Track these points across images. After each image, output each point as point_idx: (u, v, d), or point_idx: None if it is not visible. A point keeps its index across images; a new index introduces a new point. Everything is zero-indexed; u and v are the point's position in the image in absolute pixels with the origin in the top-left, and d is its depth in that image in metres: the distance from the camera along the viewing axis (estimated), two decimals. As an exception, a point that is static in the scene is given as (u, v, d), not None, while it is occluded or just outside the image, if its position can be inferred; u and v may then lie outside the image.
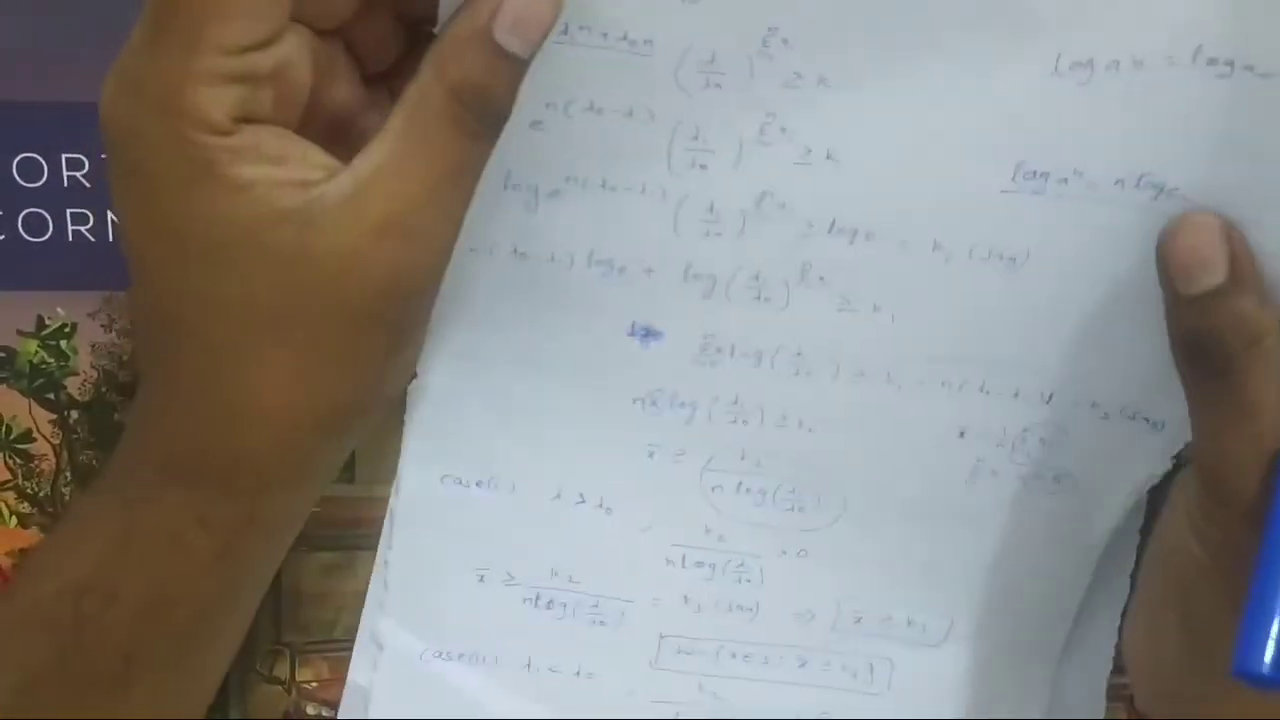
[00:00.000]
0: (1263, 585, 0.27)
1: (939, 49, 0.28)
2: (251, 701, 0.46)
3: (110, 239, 0.42)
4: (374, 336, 0.27)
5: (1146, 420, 0.32)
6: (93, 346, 0.43)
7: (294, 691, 0.47)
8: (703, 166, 0.29)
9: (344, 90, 0.27)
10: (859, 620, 0.35)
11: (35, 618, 0.28)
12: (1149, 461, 0.33)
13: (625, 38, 0.28)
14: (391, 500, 0.35)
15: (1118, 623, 0.35)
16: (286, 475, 0.28)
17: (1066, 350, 0.31)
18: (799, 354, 0.32)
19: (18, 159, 0.41)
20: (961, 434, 0.33)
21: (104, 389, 0.43)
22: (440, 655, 0.35)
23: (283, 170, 0.25)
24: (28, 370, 0.43)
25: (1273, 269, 0.29)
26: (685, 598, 0.35)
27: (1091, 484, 0.33)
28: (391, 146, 0.26)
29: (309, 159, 0.25)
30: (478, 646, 0.35)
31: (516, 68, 0.26)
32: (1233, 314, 0.28)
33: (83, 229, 0.42)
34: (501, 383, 0.33)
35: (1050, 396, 0.32)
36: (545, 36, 0.26)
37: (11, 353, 0.42)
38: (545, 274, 0.31)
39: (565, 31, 0.27)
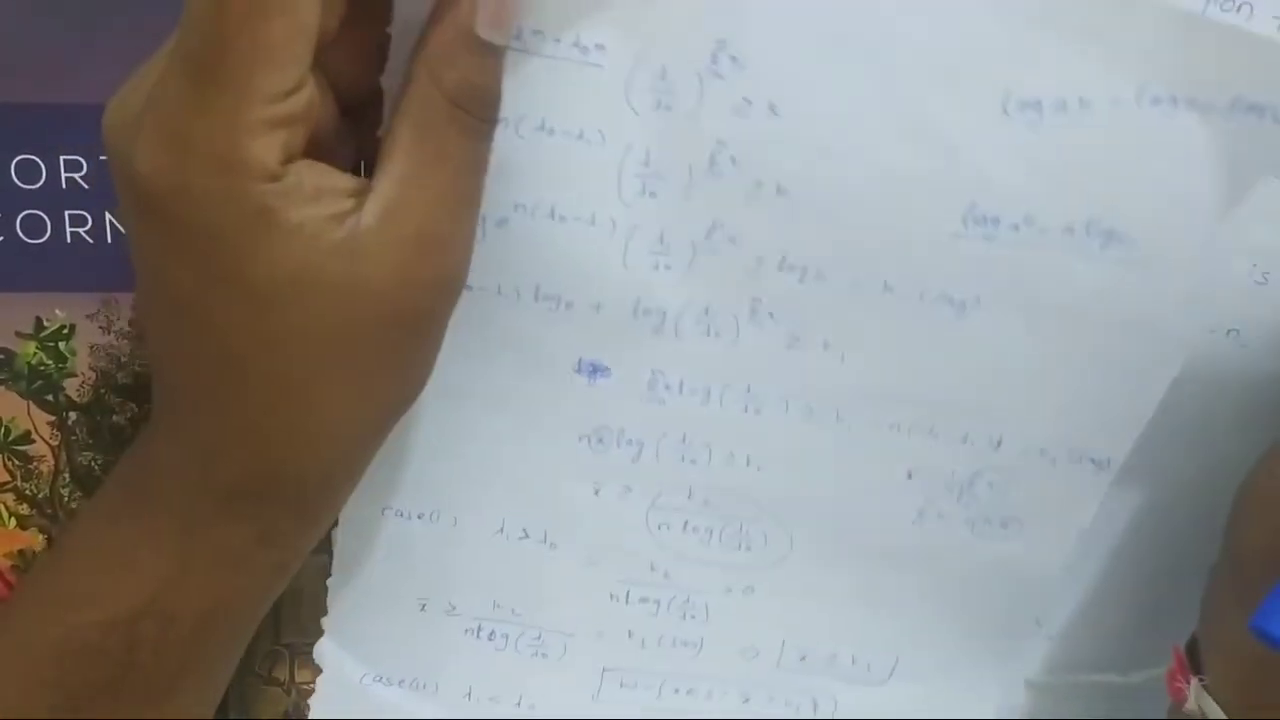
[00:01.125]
0: None
1: (888, 83, 0.28)
2: (250, 702, 0.46)
3: (109, 240, 0.42)
4: (423, 341, 0.28)
5: (1092, 461, 0.32)
6: (91, 348, 0.43)
7: (293, 692, 0.47)
8: (653, 194, 0.29)
9: (331, 122, 0.27)
10: (804, 658, 0.35)
11: (82, 645, 0.28)
12: (1094, 501, 0.33)
13: (577, 44, 0.27)
14: (334, 529, 0.35)
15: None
16: (344, 484, 0.29)
17: (1015, 396, 0.31)
18: (748, 390, 0.32)
19: (15, 161, 0.41)
20: (909, 475, 0.32)
21: (103, 390, 0.43)
22: (380, 680, 0.35)
23: (322, 206, 0.25)
24: (26, 372, 0.43)
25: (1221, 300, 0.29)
26: (629, 632, 0.34)
27: (1039, 528, 0.33)
28: (408, 160, 0.26)
29: (339, 187, 0.26)
30: (418, 673, 0.35)
31: (501, 58, 0.27)
32: None
33: (81, 231, 0.42)
34: (444, 416, 0.33)
35: (999, 443, 0.32)
36: (518, 20, 0.27)
37: (10, 354, 0.42)
38: (491, 308, 0.31)
39: (519, 37, 0.27)
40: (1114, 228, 0.29)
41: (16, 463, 0.43)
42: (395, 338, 0.27)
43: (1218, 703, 0.31)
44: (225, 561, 0.28)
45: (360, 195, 0.26)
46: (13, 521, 0.43)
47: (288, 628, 0.46)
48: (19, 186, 0.42)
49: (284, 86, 0.25)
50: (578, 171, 0.29)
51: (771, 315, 0.30)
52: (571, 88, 0.28)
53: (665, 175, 0.29)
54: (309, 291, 0.25)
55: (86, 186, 0.42)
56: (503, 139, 0.28)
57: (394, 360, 0.27)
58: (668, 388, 0.32)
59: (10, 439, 0.43)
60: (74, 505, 0.44)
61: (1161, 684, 0.33)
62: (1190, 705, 0.32)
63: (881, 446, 0.32)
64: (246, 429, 0.27)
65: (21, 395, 0.43)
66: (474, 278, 0.30)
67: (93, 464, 0.44)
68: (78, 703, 0.29)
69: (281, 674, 0.46)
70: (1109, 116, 0.27)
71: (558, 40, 0.27)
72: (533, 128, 0.28)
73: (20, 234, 0.42)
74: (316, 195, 0.25)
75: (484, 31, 0.26)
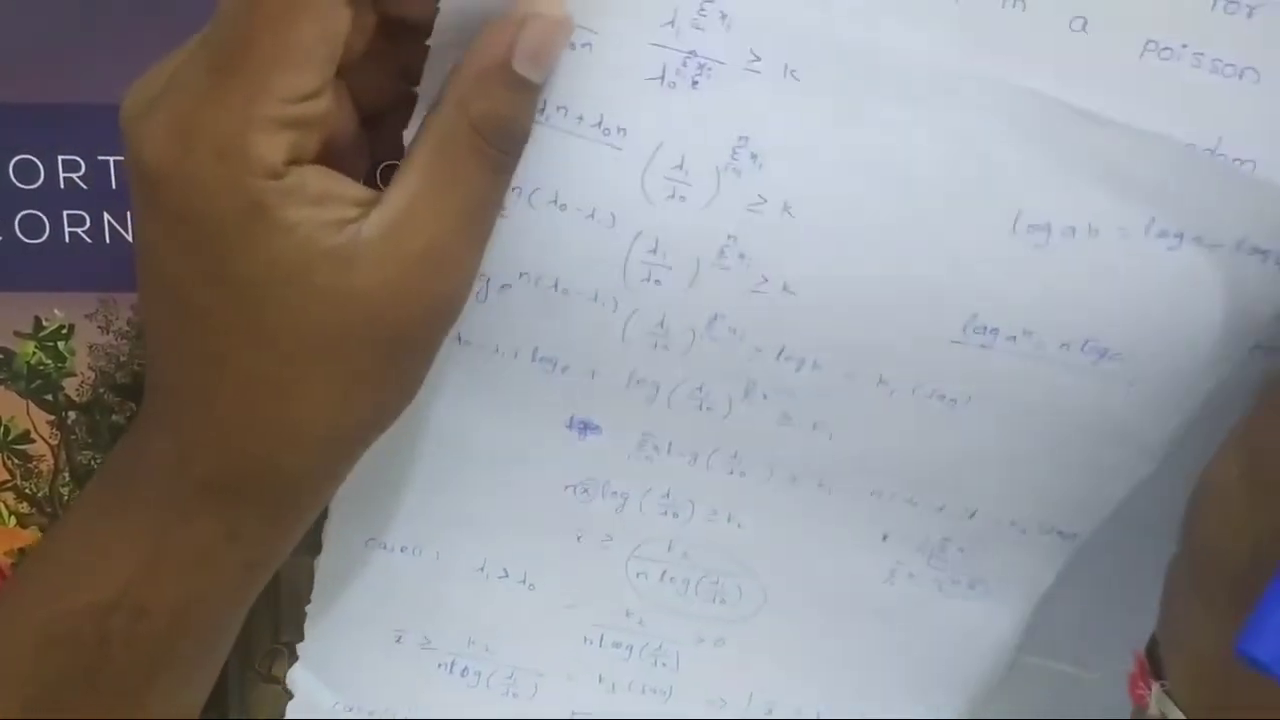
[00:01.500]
0: None
1: (902, 195, 0.28)
2: (250, 701, 0.46)
3: (107, 241, 0.42)
4: (410, 360, 0.28)
5: (1060, 533, 0.33)
6: (90, 348, 0.43)
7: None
8: (657, 282, 0.29)
9: (349, 130, 0.28)
10: (770, 710, 0.35)
11: (55, 636, 0.28)
12: (1056, 567, 0.33)
13: (600, 124, 0.27)
14: (317, 558, 0.35)
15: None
16: (319, 489, 0.29)
17: (993, 479, 0.32)
18: (735, 455, 0.32)
19: (14, 161, 0.41)
20: (884, 538, 0.33)
21: (102, 390, 0.43)
22: (350, 710, 0.36)
23: (323, 210, 0.25)
24: (25, 371, 0.43)
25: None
26: (600, 676, 0.35)
27: (1003, 589, 0.34)
28: (421, 181, 0.26)
29: (346, 195, 0.26)
30: (389, 706, 0.35)
31: (535, 95, 0.27)
32: None
33: (79, 231, 0.42)
34: (433, 453, 0.33)
35: (974, 514, 0.32)
36: (558, 61, 0.27)
37: (9, 354, 0.43)
38: (487, 363, 0.31)
39: (543, 111, 0.27)
40: (1109, 346, 0.29)
41: (16, 462, 0.43)
42: (384, 351, 0.27)
43: (1178, 704, 0.31)
44: (194, 557, 0.28)
45: (368, 206, 0.26)
46: (12, 520, 0.44)
47: (287, 627, 0.46)
48: (17, 186, 0.42)
49: (301, 90, 0.25)
50: (585, 249, 0.29)
51: (765, 396, 0.31)
52: (589, 167, 0.28)
53: (672, 266, 0.29)
54: (299, 292, 0.26)
55: (85, 187, 0.42)
56: (514, 207, 0.28)
57: (380, 373, 0.27)
58: (656, 448, 0.32)
59: (10, 438, 0.43)
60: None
61: (1123, 683, 0.33)
62: (1152, 711, 0.32)
63: (860, 511, 0.33)
64: (225, 422, 0.27)
65: (21, 394, 0.43)
66: (472, 335, 0.30)
67: (92, 463, 0.44)
68: (53, 695, 0.29)
69: (281, 672, 0.47)
70: (1116, 245, 0.28)
71: (580, 118, 0.28)
72: (545, 200, 0.28)
73: (19, 234, 0.42)
74: (320, 199, 0.25)
75: (520, 66, 0.26)
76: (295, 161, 0.25)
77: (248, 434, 0.27)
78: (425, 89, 0.28)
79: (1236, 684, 0.30)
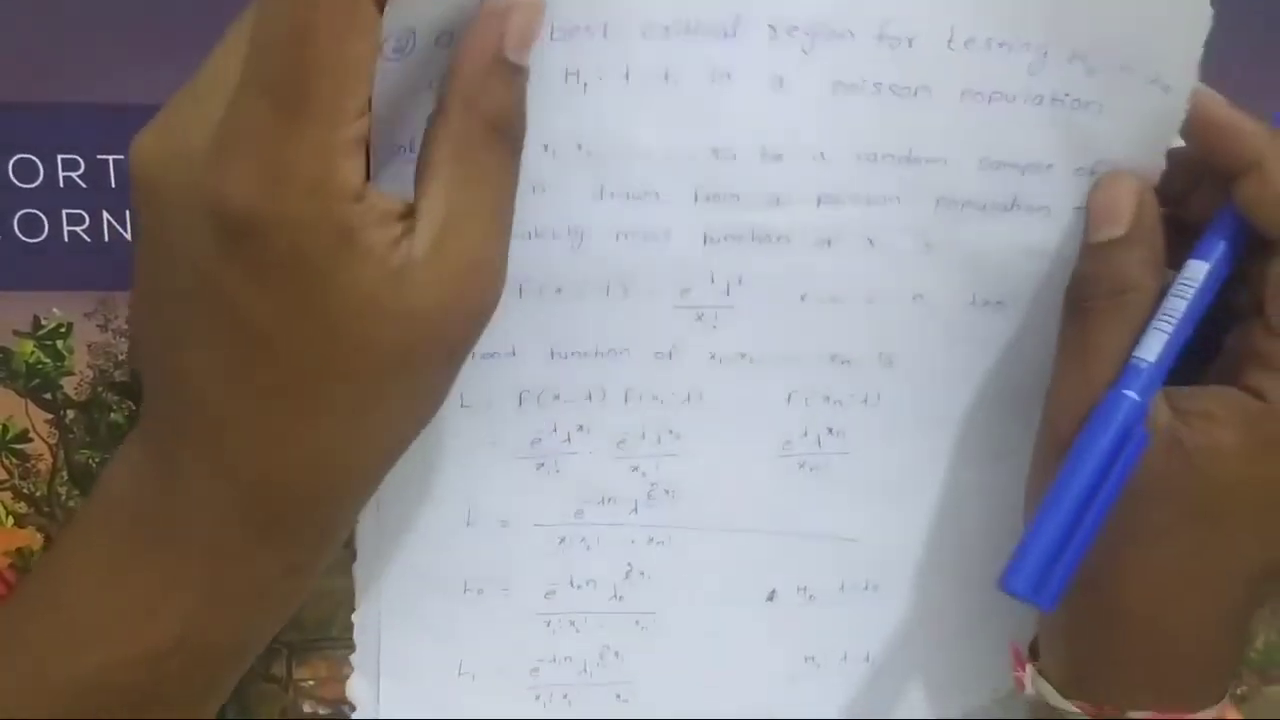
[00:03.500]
0: (1043, 513, 0.28)
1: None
2: (249, 700, 0.46)
3: (106, 239, 0.42)
4: (456, 367, 0.28)
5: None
6: (89, 346, 0.43)
7: (291, 690, 0.47)
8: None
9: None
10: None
11: (103, 683, 0.28)
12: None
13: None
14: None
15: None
16: (365, 502, 0.29)
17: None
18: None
19: (13, 160, 0.42)
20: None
21: (100, 389, 0.43)
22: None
23: (386, 229, 0.25)
24: (24, 370, 0.43)
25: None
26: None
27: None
28: (450, 188, 0.26)
29: (392, 210, 0.26)
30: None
31: (526, 78, 0.27)
32: (1110, 262, 0.29)
33: (78, 229, 0.42)
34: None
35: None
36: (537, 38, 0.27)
37: (8, 353, 0.43)
38: None
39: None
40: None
41: (15, 461, 0.43)
42: (439, 367, 0.27)
43: (1051, 680, 0.33)
44: (254, 593, 0.28)
45: (407, 219, 0.26)
46: (10, 520, 0.44)
47: (285, 626, 0.46)
48: (16, 185, 0.42)
49: (363, 106, 0.25)
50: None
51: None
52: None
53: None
54: (371, 318, 0.25)
55: (84, 185, 0.42)
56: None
57: (431, 388, 0.27)
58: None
59: (8, 437, 0.43)
60: (71, 504, 0.44)
61: None
62: (1029, 690, 0.33)
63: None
64: (294, 462, 0.26)
65: (19, 393, 0.43)
66: None
67: (90, 462, 0.44)
68: None
69: (279, 672, 0.47)
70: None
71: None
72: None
73: (18, 233, 0.42)
74: (382, 219, 0.25)
75: (512, 55, 0.26)
76: (367, 179, 0.25)
77: (317, 471, 0.27)
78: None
79: (1096, 655, 0.31)
